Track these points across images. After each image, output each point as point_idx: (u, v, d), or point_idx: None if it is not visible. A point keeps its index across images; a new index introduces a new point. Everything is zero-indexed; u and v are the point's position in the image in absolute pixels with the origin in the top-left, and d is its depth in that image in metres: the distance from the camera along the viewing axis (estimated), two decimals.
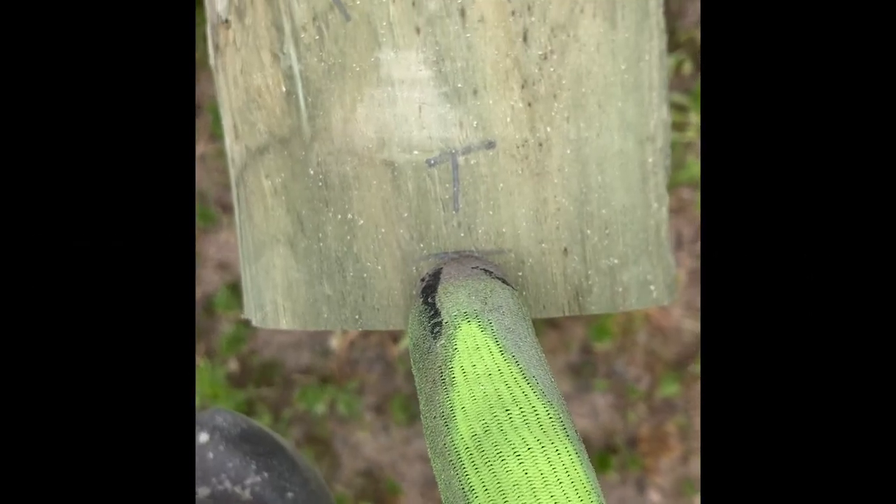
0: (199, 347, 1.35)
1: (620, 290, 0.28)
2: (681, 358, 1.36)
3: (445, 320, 0.23)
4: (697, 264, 1.47)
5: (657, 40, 0.30)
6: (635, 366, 1.41)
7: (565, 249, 0.27)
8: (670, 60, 1.41)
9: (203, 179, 1.32)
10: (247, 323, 1.32)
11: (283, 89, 0.28)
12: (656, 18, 0.30)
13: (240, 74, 0.29)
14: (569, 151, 0.27)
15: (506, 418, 0.20)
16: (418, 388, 0.23)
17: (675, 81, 1.40)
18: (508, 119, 0.26)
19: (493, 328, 0.22)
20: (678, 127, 1.39)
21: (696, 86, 1.41)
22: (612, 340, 1.22)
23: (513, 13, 0.26)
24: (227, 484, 0.31)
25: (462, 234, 0.27)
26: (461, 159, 0.26)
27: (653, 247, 0.29)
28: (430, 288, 0.24)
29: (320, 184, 0.28)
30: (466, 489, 0.20)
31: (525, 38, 0.26)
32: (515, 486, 0.19)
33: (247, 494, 0.31)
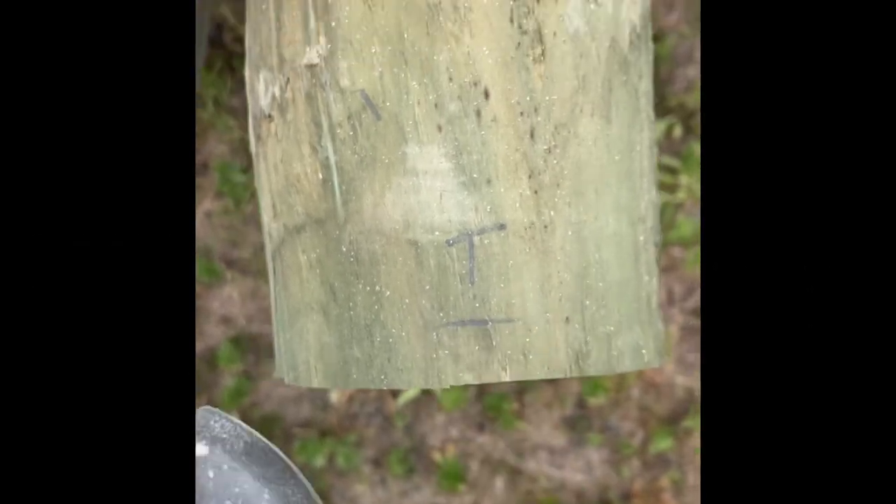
0: (202, 400, 1.36)
1: (616, 354, 0.32)
2: (674, 413, 1.38)
3: None
4: (689, 321, 1.50)
5: (647, 132, 0.34)
6: (629, 421, 1.43)
7: (567, 318, 0.31)
8: (661, 125, 1.47)
9: (208, 235, 1.36)
10: (256, 376, 1.34)
11: (320, 177, 0.32)
12: (646, 113, 0.34)
13: (280, 162, 0.33)
14: (570, 233, 0.31)
15: None
16: None
17: (666, 145, 1.45)
18: (517, 205, 0.30)
19: None
20: (669, 189, 1.43)
21: (686, 149, 1.47)
22: (606, 395, 1.25)
23: (521, 113, 0.30)
24: None
25: (477, 305, 0.30)
26: (476, 239, 0.30)
27: (644, 315, 0.33)
28: None
29: (352, 259, 0.31)
30: None
31: (532, 135, 0.30)
32: None
33: None
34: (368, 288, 0.31)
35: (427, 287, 0.30)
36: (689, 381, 1.52)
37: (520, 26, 0.30)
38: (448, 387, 0.30)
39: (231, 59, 1.47)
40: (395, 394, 1.36)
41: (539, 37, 0.30)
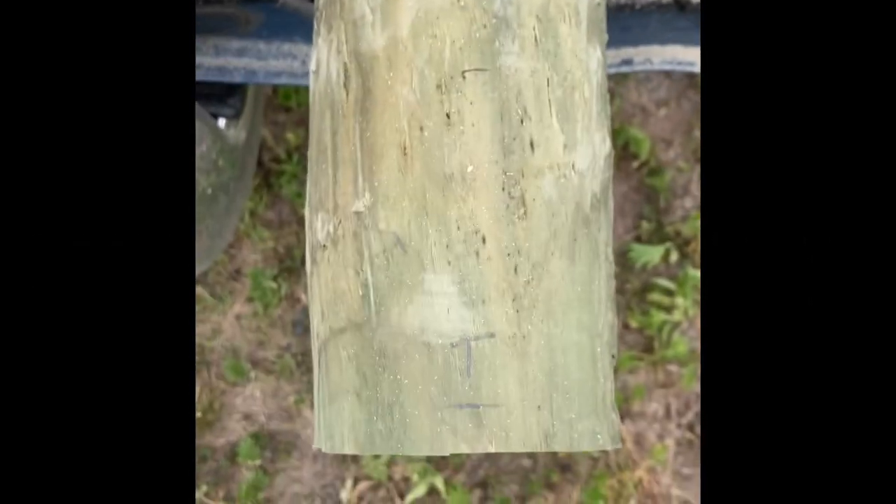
0: (219, 492, 1.44)
1: (576, 436, 0.42)
2: None
3: None
4: (685, 435, 1.58)
5: (604, 269, 0.45)
6: None
7: (539, 406, 0.41)
8: (659, 249, 1.58)
9: (237, 336, 1.47)
10: (272, 472, 1.40)
11: (360, 293, 0.43)
12: (605, 255, 0.45)
13: (330, 280, 0.45)
14: (542, 342, 0.42)
15: None
16: None
17: (663, 268, 1.57)
18: (504, 320, 0.41)
19: None
20: (666, 309, 1.54)
21: (682, 272, 1.58)
22: None
23: (508, 254, 0.42)
24: None
25: (472, 392, 0.41)
26: (473, 344, 0.41)
27: (600, 408, 0.43)
28: None
29: (380, 355, 0.42)
30: None
31: (516, 271, 0.42)
32: None
33: None
34: (392, 377, 0.42)
35: (435, 377, 0.41)
36: (685, 493, 1.58)
37: (509, 193, 0.42)
38: (448, 454, 0.40)
39: (268, 176, 1.62)
40: (402, 494, 1.43)
41: (522, 201, 0.42)
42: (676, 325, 1.44)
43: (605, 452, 1.42)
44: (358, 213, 0.43)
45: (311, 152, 0.47)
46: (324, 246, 0.45)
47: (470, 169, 0.42)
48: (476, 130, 0.42)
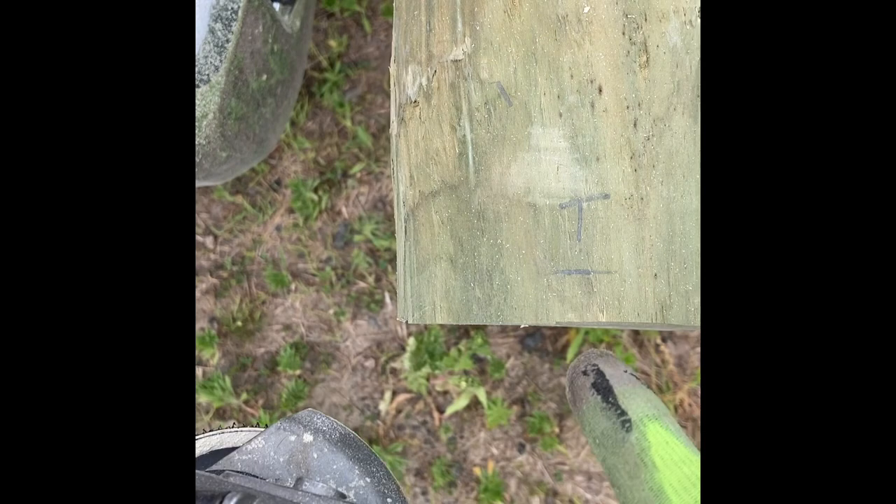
0: (258, 400, 1.44)
1: (693, 309, 0.38)
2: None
3: (633, 419, 0.30)
4: None
5: None
6: None
7: (655, 275, 0.38)
8: None
9: (277, 248, 1.45)
10: (312, 382, 1.41)
11: (457, 151, 0.39)
12: None
13: (421, 139, 0.41)
14: (661, 205, 0.38)
15: (698, 494, 0.27)
16: (609, 466, 0.30)
17: None
18: (620, 179, 0.37)
19: (671, 428, 0.30)
20: None
21: None
22: None
23: (627, 107, 0.37)
24: (332, 484, 0.32)
25: (582, 258, 0.37)
26: (585, 205, 0.37)
27: None
28: (604, 391, 0.32)
29: (479, 218, 0.39)
30: None
31: (635, 125, 0.38)
32: None
33: (351, 496, 0.33)
34: (491, 241, 0.38)
35: (541, 241, 0.38)
36: None
37: (630, 38, 0.37)
38: (555, 323, 0.37)
39: (310, 85, 1.57)
40: (440, 408, 1.42)
41: (645, 48, 0.37)
42: None
43: (645, 373, 1.39)
44: (456, 62, 0.39)
45: (400, 0, 0.43)
46: (415, 102, 0.41)
47: (587, 9, 0.37)
48: None
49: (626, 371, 0.33)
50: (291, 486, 0.31)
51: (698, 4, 0.38)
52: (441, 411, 1.40)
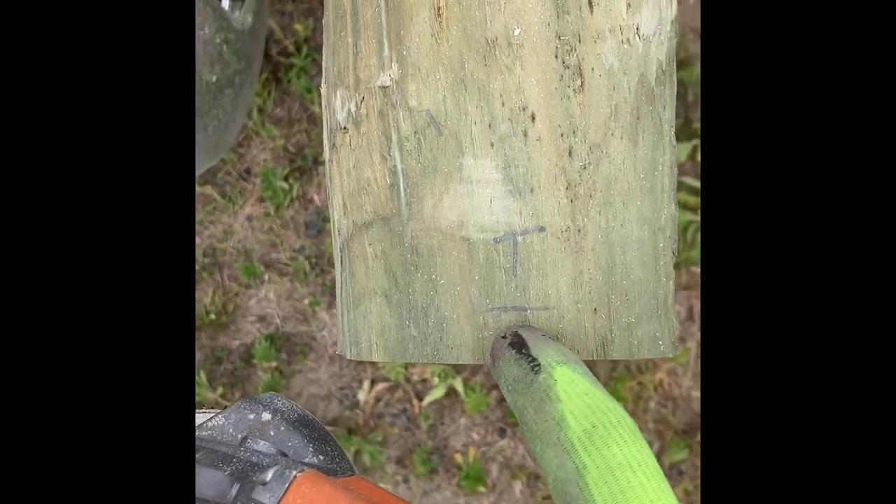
0: (235, 393, 1.43)
1: (636, 342, 0.37)
2: (690, 426, 1.42)
3: (543, 363, 0.32)
4: None
5: (669, 155, 0.39)
6: (646, 432, 1.47)
7: (595, 309, 0.36)
8: (686, 146, 1.51)
9: (249, 238, 1.43)
10: (288, 373, 1.39)
11: (388, 181, 0.37)
12: (669, 138, 0.39)
13: (353, 168, 0.39)
14: (600, 236, 0.36)
15: (605, 419, 0.29)
16: (519, 406, 0.32)
17: (690, 166, 1.50)
18: (556, 211, 0.36)
19: (578, 370, 0.32)
20: (692, 209, 1.48)
21: None
22: (624, 407, 1.28)
23: (562, 135, 0.36)
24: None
25: (518, 294, 0.36)
26: (520, 239, 0.36)
27: (661, 311, 0.38)
28: (518, 345, 0.33)
29: (412, 252, 0.37)
30: (580, 467, 0.28)
31: (570, 153, 0.36)
32: (619, 465, 0.28)
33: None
34: (426, 276, 0.37)
35: (476, 277, 0.36)
36: None
37: (563, 62, 0.35)
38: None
39: (277, 71, 1.54)
40: (420, 395, 1.41)
41: (579, 71, 0.36)
42: None
43: None
44: (384, 88, 0.37)
45: (328, 19, 0.41)
46: (344, 128, 0.39)
47: (517, 32, 0.35)
48: None
49: (542, 335, 0.34)
50: (237, 444, 0.33)
51: (635, 21, 0.36)
52: (420, 399, 1.39)
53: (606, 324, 0.36)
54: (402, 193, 0.37)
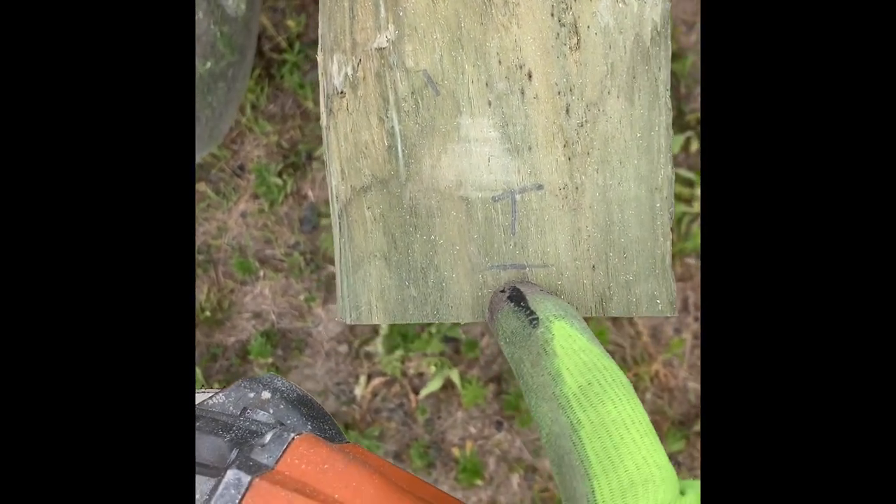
0: None
1: (634, 300, 0.37)
2: (686, 417, 1.42)
3: (541, 317, 0.32)
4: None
5: (664, 116, 0.39)
6: None
7: (593, 266, 0.36)
8: (679, 138, 1.52)
9: (243, 235, 1.43)
10: (284, 370, 1.39)
11: (386, 144, 0.38)
12: (664, 99, 0.39)
13: (350, 132, 0.39)
14: (597, 194, 0.36)
15: (601, 377, 0.29)
16: (516, 359, 0.32)
17: (683, 158, 1.51)
18: (553, 169, 0.36)
19: (576, 325, 0.32)
20: (685, 200, 1.48)
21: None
22: None
23: (559, 93, 0.36)
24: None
25: (517, 252, 0.36)
26: (518, 197, 0.36)
27: (659, 270, 0.38)
28: (517, 298, 0.33)
29: (411, 213, 0.37)
30: (574, 422, 0.29)
31: (567, 111, 0.36)
32: (613, 422, 0.28)
33: None
34: (425, 237, 0.37)
35: (475, 236, 0.36)
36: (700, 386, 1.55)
37: (559, 20, 0.36)
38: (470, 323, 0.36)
39: (269, 67, 1.54)
40: (416, 389, 1.41)
41: (575, 29, 0.36)
42: (696, 216, 1.39)
43: (620, 346, 1.39)
44: (380, 50, 0.37)
45: None
46: (341, 92, 0.39)
47: None
48: None
49: (541, 290, 0.34)
50: (237, 414, 0.33)
51: None
52: (417, 393, 1.39)
53: (605, 280, 0.36)
54: (401, 155, 0.37)
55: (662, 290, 0.39)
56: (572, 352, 0.31)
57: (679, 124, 1.45)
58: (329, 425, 0.35)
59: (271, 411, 0.34)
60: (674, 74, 1.45)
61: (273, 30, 1.42)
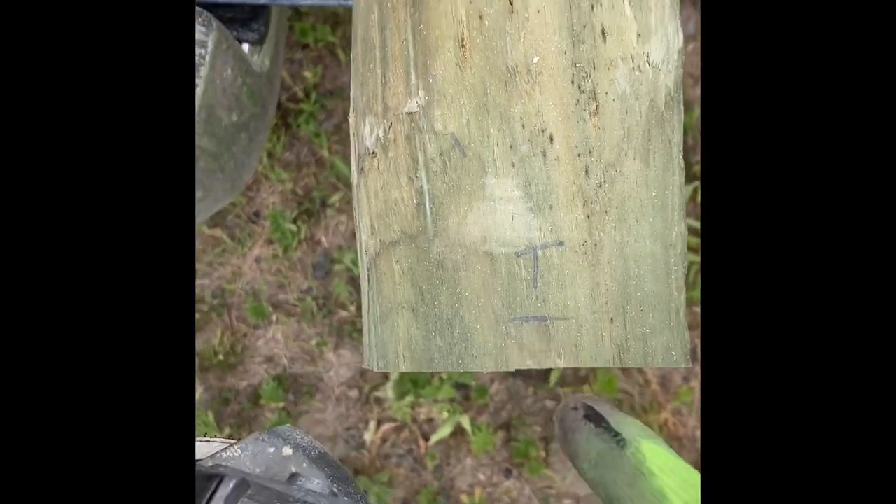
0: (242, 434, 1.43)
1: (650, 351, 0.39)
2: (695, 466, 1.42)
3: (628, 438, 0.34)
4: None
5: (678, 175, 0.42)
6: None
7: (611, 319, 0.38)
8: (688, 189, 1.54)
9: (257, 280, 1.45)
10: (295, 414, 1.40)
11: (415, 201, 0.40)
12: (678, 160, 0.42)
13: (380, 190, 0.41)
14: (615, 250, 0.38)
15: (698, 495, 0.31)
16: (606, 481, 0.33)
17: (691, 208, 1.53)
18: (574, 226, 0.38)
19: (661, 443, 0.34)
20: (693, 249, 1.50)
21: None
22: None
23: (579, 155, 0.38)
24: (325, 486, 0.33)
25: (539, 304, 0.38)
26: (540, 252, 0.38)
27: (674, 323, 0.40)
28: (595, 419, 0.36)
29: (438, 267, 0.39)
30: None
31: (587, 172, 0.38)
32: None
33: None
34: (451, 290, 0.39)
35: (499, 289, 0.38)
36: None
37: (579, 87, 0.38)
38: (514, 370, 0.37)
39: (286, 116, 1.58)
40: (426, 435, 1.42)
41: (594, 95, 0.38)
42: None
43: (629, 394, 1.40)
44: (411, 114, 0.40)
45: (356, 53, 0.44)
46: (373, 153, 0.42)
47: (535, 60, 0.38)
48: (542, 17, 0.38)
49: (611, 406, 0.36)
50: (285, 480, 0.31)
51: (645, 50, 0.39)
52: (426, 439, 1.40)
53: (622, 333, 0.38)
54: (429, 212, 0.39)
55: (677, 342, 0.40)
56: (669, 470, 0.32)
57: (687, 175, 1.47)
58: (353, 487, 0.34)
59: (293, 469, 0.32)
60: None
61: (290, 80, 1.46)
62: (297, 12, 1.46)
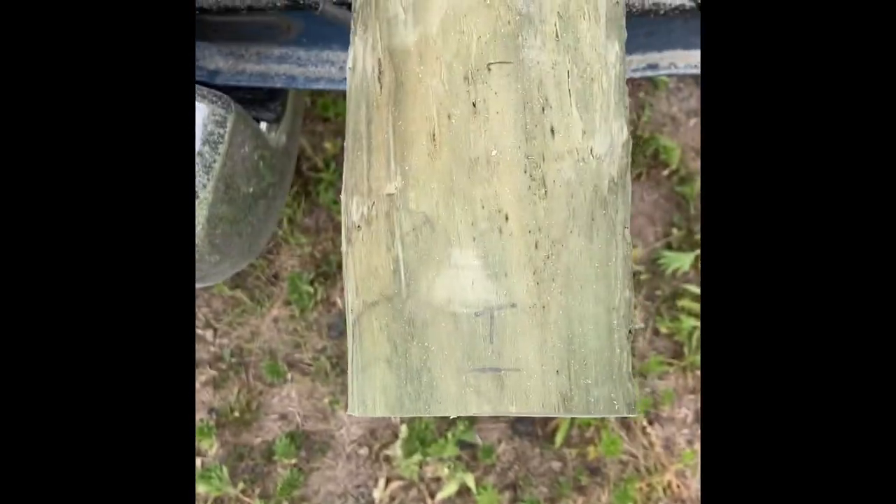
0: (255, 489, 1.48)
1: (593, 401, 0.45)
2: None
3: None
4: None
5: (621, 249, 0.48)
6: None
7: (557, 371, 0.44)
8: (690, 256, 1.58)
9: (274, 339, 1.52)
10: (308, 471, 1.44)
11: (392, 268, 0.47)
12: (622, 236, 0.48)
13: (364, 257, 0.48)
14: (561, 312, 0.45)
15: None
16: None
17: (693, 274, 1.57)
18: (525, 291, 0.45)
19: None
20: (696, 315, 1.54)
21: None
22: None
23: (530, 231, 0.45)
24: None
25: (494, 357, 0.44)
26: (496, 313, 0.44)
27: (616, 376, 0.46)
28: None
29: (410, 324, 0.46)
30: None
31: (536, 246, 0.45)
32: None
33: None
34: (420, 344, 0.45)
35: (461, 344, 0.45)
36: None
37: (531, 175, 0.45)
38: (472, 414, 0.44)
39: (307, 184, 1.67)
40: (433, 493, 1.46)
41: (543, 182, 0.45)
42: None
43: (633, 456, 1.43)
44: (390, 195, 0.47)
45: (348, 141, 0.51)
46: (358, 226, 0.49)
47: (494, 153, 0.45)
48: (500, 118, 0.45)
49: None
50: None
51: (589, 144, 0.46)
52: (434, 497, 1.43)
53: (567, 384, 0.44)
54: (403, 277, 0.46)
55: (619, 394, 0.46)
56: None
57: (689, 242, 1.53)
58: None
59: None
60: (683, 197, 1.55)
61: (311, 150, 1.56)
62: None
